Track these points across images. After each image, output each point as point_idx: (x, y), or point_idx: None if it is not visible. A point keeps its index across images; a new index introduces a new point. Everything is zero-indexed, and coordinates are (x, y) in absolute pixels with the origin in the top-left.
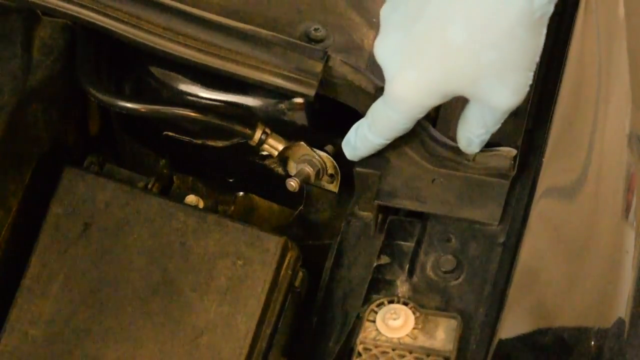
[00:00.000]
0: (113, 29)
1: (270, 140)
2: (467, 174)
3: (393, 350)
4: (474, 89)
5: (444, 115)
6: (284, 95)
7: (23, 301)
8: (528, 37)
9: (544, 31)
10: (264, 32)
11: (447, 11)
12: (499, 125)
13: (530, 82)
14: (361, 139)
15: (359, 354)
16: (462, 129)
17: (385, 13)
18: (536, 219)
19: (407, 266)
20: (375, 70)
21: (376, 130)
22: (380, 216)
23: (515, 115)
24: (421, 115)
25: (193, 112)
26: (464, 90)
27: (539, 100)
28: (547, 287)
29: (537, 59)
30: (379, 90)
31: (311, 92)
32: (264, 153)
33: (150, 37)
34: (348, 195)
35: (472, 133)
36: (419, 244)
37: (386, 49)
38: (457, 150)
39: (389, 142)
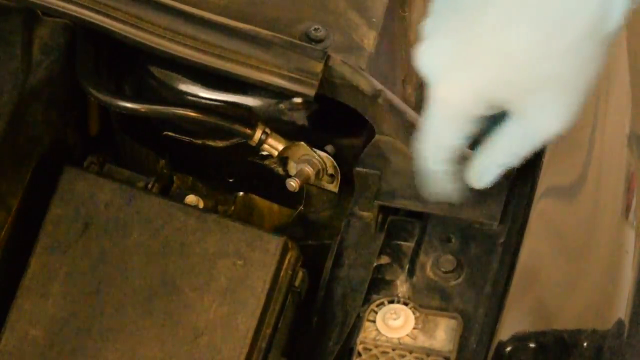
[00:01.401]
0: (113, 29)
1: (270, 140)
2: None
3: (393, 350)
4: (523, 103)
5: None
6: (284, 95)
7: (23, 301)
8: (593, 53)
9: (608, 50)
10: (264, 32)
11: (509, 15)
12: (520, 158)
13: (580, 108)
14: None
15: (359, 354)
16: (482, 155)
17: (432, 22)
18: (536, 219)
19: (407, 266)
20: (375, 70)
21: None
22: (380, 216)
23: None
24: (468, 127)
25: (193, 112)
26: (512, 101)
27: None
28: (547, 287)
29: (593, 81)
30: (378, 92)
31: (311, 92)
32: (264, 153)
33: (151, 37)
34: (348, 195)
35: (494, 161)
36: (419, 244)
37: (433, 55)
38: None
39: (441, 164)
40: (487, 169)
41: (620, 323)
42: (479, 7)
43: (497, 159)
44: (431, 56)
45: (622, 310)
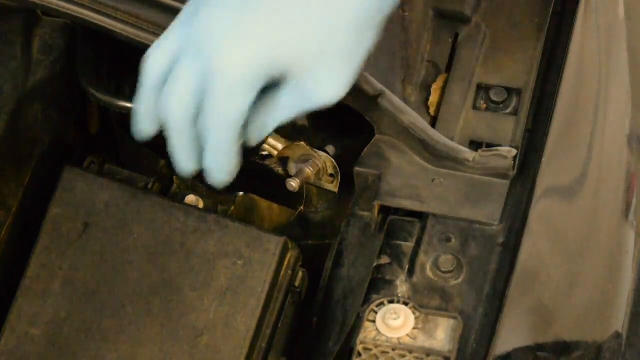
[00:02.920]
0: (113, 29)
1: (270, 140)
2: (467, 174)
3: (393, 350)
4: (302, 72)
5: (444, 115)
6: None
7: (23, 301)
8: (370, 31)
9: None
10: None
11: None
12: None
13: (353, 81)
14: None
15: (359, 354)
16: (258, 115)
17: None
18: (536, 219)
19: (407, 266)
20: (375, 70)
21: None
22: (380, 216)
23: (515, 115)
24: (249, 97)
25: None
26: (292, 70)
27: (539, 100)
28: (547, 287)
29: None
30: (378, 92)
31: None
32: (264, 153)
33: (150, 37)
34: (348, 195)
35: (268, 121)
36: (419, 244)
37: (212, 23)
38: (457, 151)
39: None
40: (261, 130)
41: (620, 323)
42: None
43: (272, 120)
44: (211, 24)
45: (622, 311)
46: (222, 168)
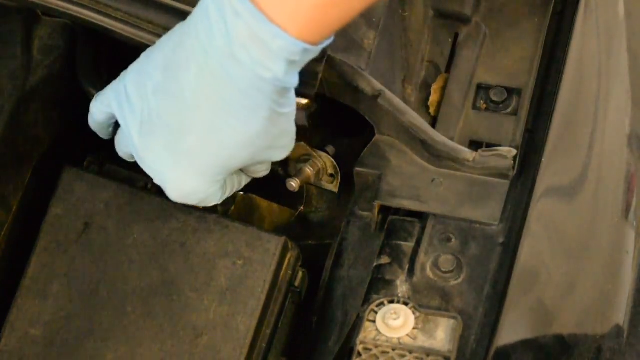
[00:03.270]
0: (113, 29)
1: None
2: (467, 174)
3: (393, 350)
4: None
5: (444, 115)
6: None
7: (23, 301)
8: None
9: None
10: None
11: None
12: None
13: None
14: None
15: (359, 354)
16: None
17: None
18: (536, 219)
19: (407, 266)
20: (375, 70)
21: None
22: (380, 216)
23: (515, 115)
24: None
25: None
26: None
27: (539, 100)
28: (547, 287)
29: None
30: (378, 92)
31: (311, 92)
32: None
33: (151, 37)
34: (348, 195)
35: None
36: (418, 244)
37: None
38: (457, 151)
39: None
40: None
41: (620, 323)
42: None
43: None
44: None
45: (622, 311)
46: None
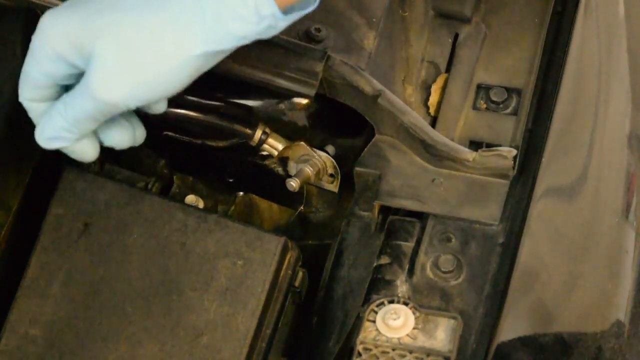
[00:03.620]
0: None
1: (270, 140)
2: (467, 174)
3: (393, 350)
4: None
5: (444, 115)
6: (284, 95)
7: (23, 301)
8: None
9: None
10: None
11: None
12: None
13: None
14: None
15: (359, 354)
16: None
17: None
18: (536, 219)
19: (407, 266)
20: (375, 70)
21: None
22: (380, 216)
23: (515, 115)
24: (57, 69)
25: (193, 112)
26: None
27: (539, 100)
28: (547, 287)
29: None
30: (378, 92)
31: (311, 92)
32: (264, 153)
33: None
34: (348, 195)
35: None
36: (418, 244)
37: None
38: (457, 151)
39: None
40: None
41: (620, 323)
42: None
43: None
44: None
45: (622, 310)
46: None
